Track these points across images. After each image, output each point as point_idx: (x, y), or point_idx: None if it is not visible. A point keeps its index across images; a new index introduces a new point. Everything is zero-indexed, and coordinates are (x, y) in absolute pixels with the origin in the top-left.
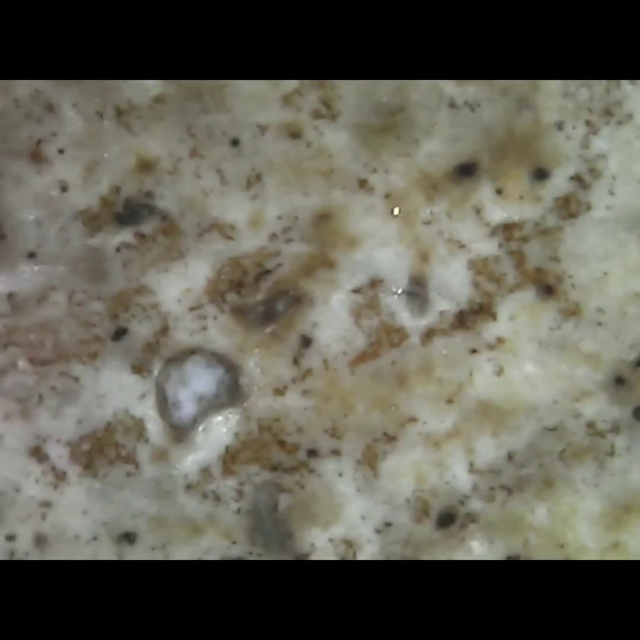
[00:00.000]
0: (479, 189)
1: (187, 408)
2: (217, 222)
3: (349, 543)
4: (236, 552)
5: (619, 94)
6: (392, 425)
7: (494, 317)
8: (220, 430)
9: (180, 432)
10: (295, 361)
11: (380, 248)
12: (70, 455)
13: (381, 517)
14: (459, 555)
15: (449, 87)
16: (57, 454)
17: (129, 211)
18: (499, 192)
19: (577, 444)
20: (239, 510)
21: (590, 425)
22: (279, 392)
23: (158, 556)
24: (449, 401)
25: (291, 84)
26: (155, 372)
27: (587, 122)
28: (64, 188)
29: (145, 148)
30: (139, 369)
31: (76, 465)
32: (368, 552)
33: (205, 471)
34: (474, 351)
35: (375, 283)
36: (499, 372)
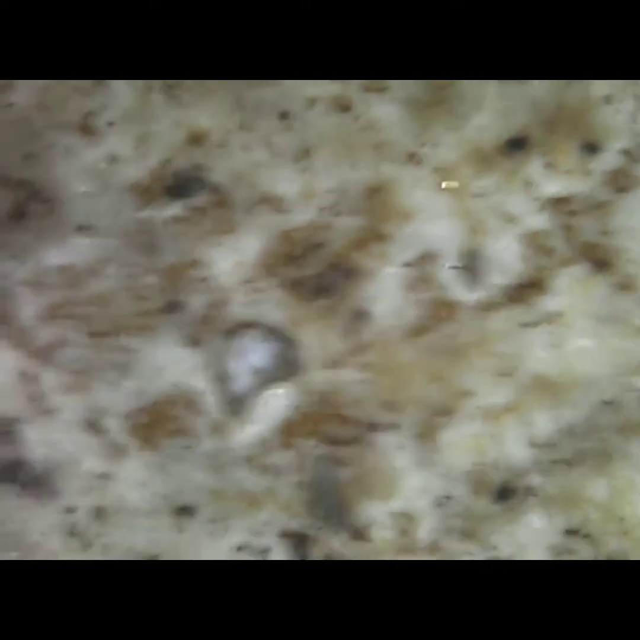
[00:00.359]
0: (529, 162)
1: (244, 381)
2: (268, 195)
3: (407, 516)
4: (295, 525)
5: None
6: (449, 399)
7: (547, 291)
8: (278, 403)
9: (237, 405)
10: (351, 334)
11: (432, 221)
12: (128, 428)
13: (440, 491)
14: (518, 529)
15: None
16: (115, 426)
17: (179, 184)
18: (549, 165)
19: (634, 417)
20: (298, 484)
21: None
22: (336, 365)
23: (217, 528)
24: (506, 375)
25: None
26: (211, 345)
27: (636, 97)
28: (114, 161)
29: (195, 121)
30: (194, 341)
31: (134, 438)
32: (427, 525)
33: (263, 444)
34: (528, 325)
35: (427, 257)
36: (555, 346)
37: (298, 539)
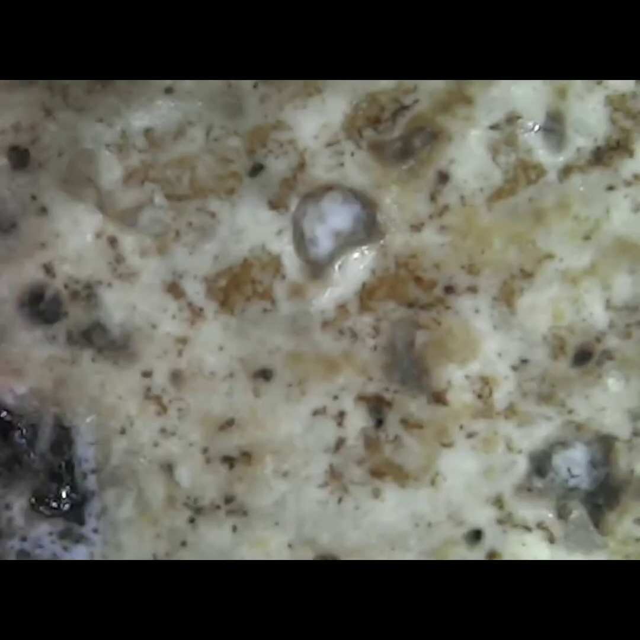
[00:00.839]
0: None
1: (324, 244)
2: None
3: (485, 380)
4: (372, 388)
5: None
6: (528, 262)
7: (631, 153)
8: (357, 266)
9: (317, 269)
10: (432, 197)
11: (517, 84)
12: (207, 291)
13: (517, 354)
14: (595, 392)
15: None
16: (194, 290)
17: None
18: None
19: None
20: (375, 347)
21: None
22: (416, 228)
23: (294, 393)
24: (586, 238)
25: None
26: (292, 208)
27: None
28: None
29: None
30: (275, 205)
31: (212, 302)
32: (504, 389)
33: (341, 308)
34: (611, 188)
35: (512, 119)
36: (637, 209)
37: (375, 402)
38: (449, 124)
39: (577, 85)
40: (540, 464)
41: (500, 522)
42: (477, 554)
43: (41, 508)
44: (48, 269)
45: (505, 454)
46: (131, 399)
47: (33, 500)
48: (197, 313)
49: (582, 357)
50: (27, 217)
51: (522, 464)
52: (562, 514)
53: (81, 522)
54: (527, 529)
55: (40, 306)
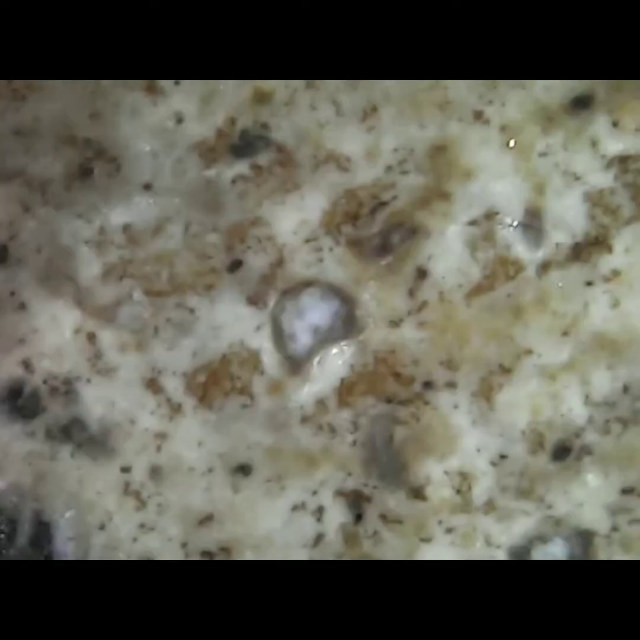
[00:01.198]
0: (595, 121)
1: (303, 340)
2: (333, 154)
3: (464, 475)
4: (351, 484)
5: None
6: (507, 358)
7: (609, 249)
8: (336, 362)
9: (296, 364)
10: (411, 293)
11: (496, 180)
12: (186, 387)
13: (496, 449)
14: (574, 488)
15: None
16: (173, 385)
17: (244, 143)
18: (615, 124)
19: None
20: (354, 442)
21: None
22: (395, 324)
23: (273, 488)
24: (565, 334)
25: None
26: (271, 304)
27: None
28: (179, 119)
29: (261, 79)
30: (254, 300)
31: (191, 397)
32: (483, 484)
33: (320, 403)
34: (589, 283)
35: (490, 215)
36: (615, 304)
37: (354, 497)
38: (428, 220)
39: (555, 181)
40: (520, 559)
41: None
42: None
43: None
44: (27, 365)
45: (484, 549)
46: (110, 494)
47: None
48: (176, 409)
49: (561, 452)
50: (6, 313)
51: (501, 559)
52: None
53: None
54: None
55: (19, 402)
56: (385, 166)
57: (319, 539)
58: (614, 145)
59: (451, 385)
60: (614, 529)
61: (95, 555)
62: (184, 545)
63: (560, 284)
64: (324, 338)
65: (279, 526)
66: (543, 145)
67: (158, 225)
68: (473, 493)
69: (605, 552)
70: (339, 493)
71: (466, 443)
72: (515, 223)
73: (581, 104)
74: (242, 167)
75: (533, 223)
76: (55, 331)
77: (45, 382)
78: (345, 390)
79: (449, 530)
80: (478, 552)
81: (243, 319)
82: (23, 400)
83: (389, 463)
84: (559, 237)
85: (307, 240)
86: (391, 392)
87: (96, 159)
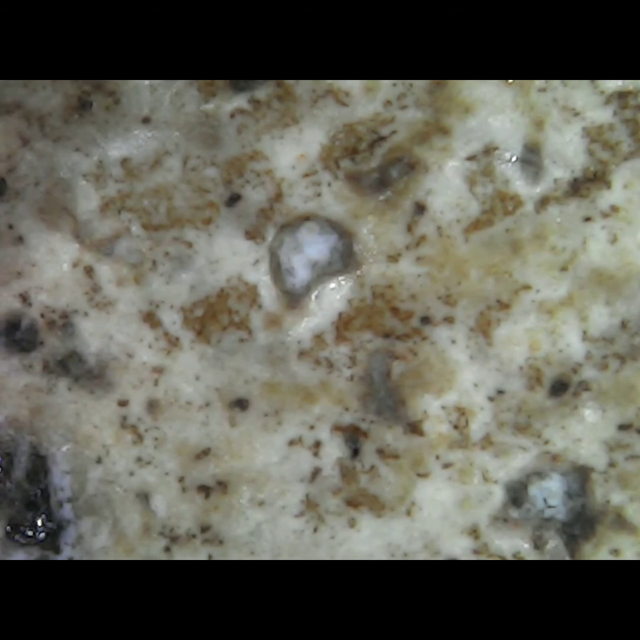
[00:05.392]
0: None
1: (301, 274)
2: (332, 88)
3: (461, 410)
4: (348, 419)
5: None
6: (505, 293)
7: (608, 185)
8: (334, 297)
9: (294, 299)
10: (409, 228)
11: (495, 115)
12: (183, 321)
13: (494, 385)
14: (572, 423)
15: None
16: (170, 319)
17: None
18: None
19: None
20: (351, 377)
21: None
22: (393, 259)
23: (270, 422)
24: (563, 269)
25: None
26: (269, 239)
27: None
28: None
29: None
30: (252, 235)
31: (189, 331)
32: (480, 419)
33: (318, 338)
34: (588, 219)
35: (489, 150)
36: (613, 240)
37: (351, 432)
38: (426, 155)
39: (555, 116)
40: (516, 494)
41: (476, 552)
42: None
43: (16, 536)
44: (24, 298)
45: (481, 485)
46: (107, 428)
47: (8, 528)
48: (173, 343)
49: (559, 388)
50: (4, 246)
51: (498, 495)
52: (538, 544)
53: (57, 550)
54: (503, 559)
55: (16, 335)
56: (384, 101)
57: (315, 473)
58: (612, 81)
59: (449, 320)
60: (611, 464)
61: (91, 489)
62: (180, 479)
63: (558, 220)
64: (322, 272)
65: (276, 461)
66: (542, 81)
67: (156, 159)
68: (470, 428)
69: (602, 488)
70: (336, 428)
71: (463, 378)
72: (514, 158)
73: None
74: (240, 101)
75: (532, 158)
76: (53, 264)
77: (42, 315)
78: (343, 325)
79: (446, 466)
80: (475, 487)
81: (241, 253)
82: (20, 334)
83: (386, 398)
84: (558, 172)
85: (306, 175)
86: (389, 327)
87: (95, 92)
